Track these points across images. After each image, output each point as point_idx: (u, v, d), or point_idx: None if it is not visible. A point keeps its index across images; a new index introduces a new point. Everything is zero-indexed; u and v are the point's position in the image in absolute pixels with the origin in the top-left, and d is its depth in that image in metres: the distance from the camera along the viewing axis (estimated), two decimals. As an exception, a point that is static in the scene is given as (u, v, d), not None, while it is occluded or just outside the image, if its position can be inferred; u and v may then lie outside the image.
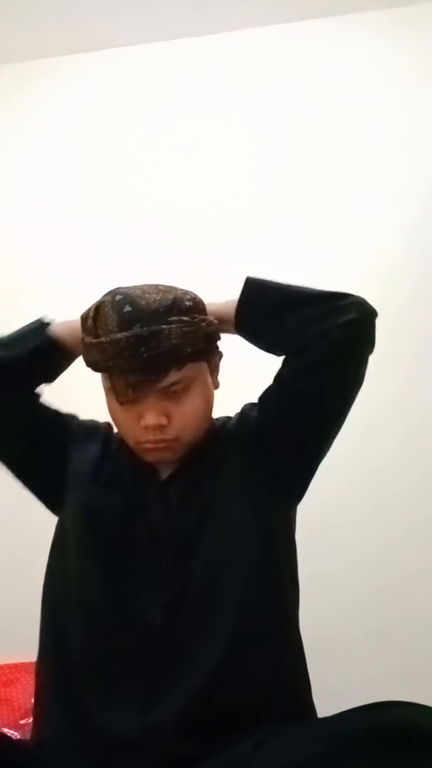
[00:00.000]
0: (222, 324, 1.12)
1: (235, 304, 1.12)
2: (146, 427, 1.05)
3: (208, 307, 1.11)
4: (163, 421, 1.05)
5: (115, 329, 1.01)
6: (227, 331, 1.14)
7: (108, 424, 1.21)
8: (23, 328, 1.18)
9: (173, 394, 1.06)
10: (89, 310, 1.08)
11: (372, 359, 2.11)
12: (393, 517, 2.00)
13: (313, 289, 1.11)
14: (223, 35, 2.25)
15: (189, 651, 1.02)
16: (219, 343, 1.14)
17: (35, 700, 1.13)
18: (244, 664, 1.03)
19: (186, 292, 1.08)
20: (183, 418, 1.07)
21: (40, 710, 1.11)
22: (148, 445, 1.07)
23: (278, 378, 1.13)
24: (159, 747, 0.96)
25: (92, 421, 1.24)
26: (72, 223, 2.25)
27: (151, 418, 1.04)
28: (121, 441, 1.18)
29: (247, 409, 1.22)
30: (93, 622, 1.06)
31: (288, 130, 2.21)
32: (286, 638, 1.11)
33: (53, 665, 1.09)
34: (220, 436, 1.17)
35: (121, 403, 1.05)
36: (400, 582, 1.97)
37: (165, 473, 1.14)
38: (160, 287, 1.06)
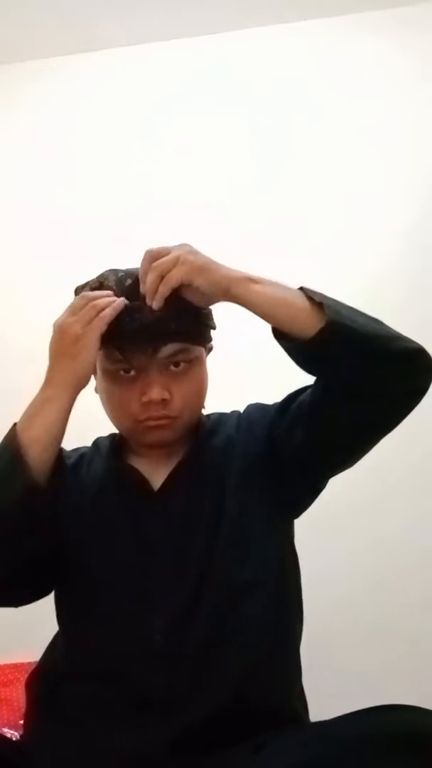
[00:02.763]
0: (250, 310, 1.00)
1: (299, 323, 0.97)
2: (149, 403, 1.03)
3: (256, 289, 0.99)
4: (166, 395, 1.03)
5: None
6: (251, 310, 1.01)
7: (92, 445, 1.19)
8: None
9: (174, 372, 1.04)
10: (90, 282, 1.07)
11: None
12: (392, 514, 1.99)
13: (386, 341, 0.98)
14: (223, 35, 2.25)
15: (191, 673, 1.00)
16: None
17: (28, 704, 1.12)
18: (250, 688, 1.01)
19: None
20: (184, 396, 1.05)
21: (34, 716, 1.09)
22: (150, 423, 1.04)
23: (314, 409, 1.04)
24: (156, 764, 0.95)
25: (74, 450, 1.19)
26: (71, 223, 2.25)
27: (155, 392, 1.02)
28: (107, 450, 1.15)
29: (255, 412, 1.17)
30: (93, 642, 1.04)
31: (288, 130, 2.20)
32: (291, 661, 1.10)
33: (53, 678, 1.08)
34: (219, 437, 1.14)
35: (125, 371, 1.03)
36: (399, 579, 1.97)
37: (157, 481, 1.10)
38: None
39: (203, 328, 1.08)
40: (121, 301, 1.02)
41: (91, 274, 1.11)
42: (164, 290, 0.99)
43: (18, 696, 1.89)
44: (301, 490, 1.12)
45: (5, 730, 1.75)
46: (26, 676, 1.15)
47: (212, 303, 1.04)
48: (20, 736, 1.19)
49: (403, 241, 2.10)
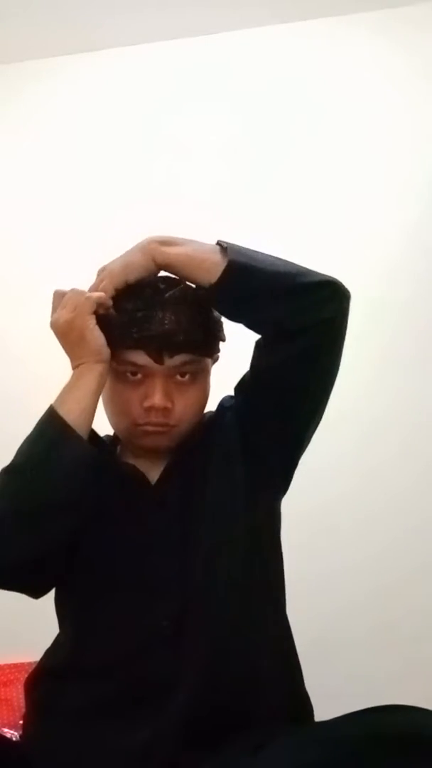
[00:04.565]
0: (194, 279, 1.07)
1: (211, 272, 1.03)
2: (150, 408, 1.04)
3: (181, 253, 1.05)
4: (168, 404, 1.05)
5: (119, 307, 1.05)
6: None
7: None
8: (33, 441, 1.03)
9: (179, 382, 1.06)
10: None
11: (371, 359, 2.11)
12: (393, 516, 2.00)
13: (292, 277, 1.04)
14: (223, 35, 2.25)
15: (194, 657, 1.01)
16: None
17: (29, 705, 1.12)
18: (248, 665, 1.03)
19: (194, 287, 1.09)
20: (186, 406, 1.07)
21: (36, 717, 1.10)
22: (148, 428, 1.06)
23: (253, 367, 1.12)
24: (160, 759, 0.96)
25: None
26: (72, 223, 2.25)
27: (158, 399, 1.04)
28: (105, 448, 1.16)
29: (226, 401, 1.21)
30: (100, 633, 1.06)
31: (288, 130, 2.20)
32: (282, 630, 1.13)
33: (56, 678, 1.08)
34: (207, 431, 1.16)
35: (132, 374, 1.05)
36: (400, 582, 1.97)
37: (154, 475, 1.12)
38: (172, 278, 1.08)
39: (212, 340, 1.11)
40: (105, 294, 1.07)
41: (91, 274, 1.11)
42: (105, 301, 1.04)
43: (18, 696, 1.89)
44: (275, 458, 1.13)
45: (5, 730, 1.75)
46: (26, 676, 1.15)
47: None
48: (20, 736, 1.19)
49: (405, 241, 2.10)
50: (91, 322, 1.03)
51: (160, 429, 1.07)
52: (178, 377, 1.06)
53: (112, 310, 1.05)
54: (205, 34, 2.24)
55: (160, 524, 1.09)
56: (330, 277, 1.05)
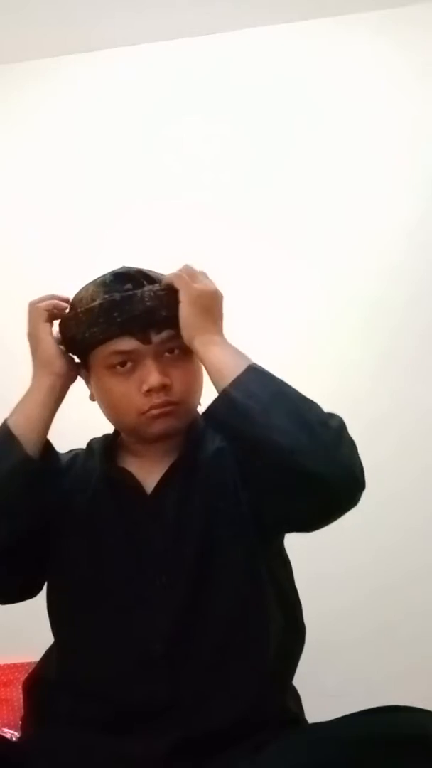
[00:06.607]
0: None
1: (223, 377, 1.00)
2: (150, 391, 1.02)
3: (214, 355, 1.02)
4: (166, 381, 1.03)
5: (95, 298, 1.05)
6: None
7: (86, 446, 1.20)
8: None
9: (170, 358, 1.05)
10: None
11: (372, 358, 2.11)
12: (393, 517, 1.99)
13: (291, 455, 0.93)
14: (223, 35, 2.25)
15: (189, 679, 1.00)
16: None
17: (26, 707, 1.12)
18: (253, 694, 1.01)
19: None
20: (183, 381, 1.05)
21: (33, 720, 1.10)
22: (154, 412, 1.03)
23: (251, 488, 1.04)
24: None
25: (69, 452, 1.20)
26: (71, 223, 2.25)
27: (155, 378, 1.02)
28: (100, 452, 1.15)
29: None
30: (88, 651, 1.04)
31: (288, 130, 2.20)
32: (291, 662, 1.10)
33: (51, 686, 1.08)
34: (211, 443, 1.11)
35: (122, 365, 1.04)
36: (400, 582, 1.97)
37: (150, 484, 1.09)
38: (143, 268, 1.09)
39: None
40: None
41: (90, 274, 1.11)
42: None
43: (18, 696, 1.89)
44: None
45: (5, 730, 1.75)
46: (25, 676, 1.15)
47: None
48: (19, 737, 1.19)
49: (406, 240, 2.10)
50: (43, 332, 1.07)
51: (165, 410, 1.03)
52: (167, 354, 1.04)
53: (80, 308, 1.05)
54: (205, 34, 2.24)
55: (153, 538, 1.05)
56: (338, 475, 1.04)
